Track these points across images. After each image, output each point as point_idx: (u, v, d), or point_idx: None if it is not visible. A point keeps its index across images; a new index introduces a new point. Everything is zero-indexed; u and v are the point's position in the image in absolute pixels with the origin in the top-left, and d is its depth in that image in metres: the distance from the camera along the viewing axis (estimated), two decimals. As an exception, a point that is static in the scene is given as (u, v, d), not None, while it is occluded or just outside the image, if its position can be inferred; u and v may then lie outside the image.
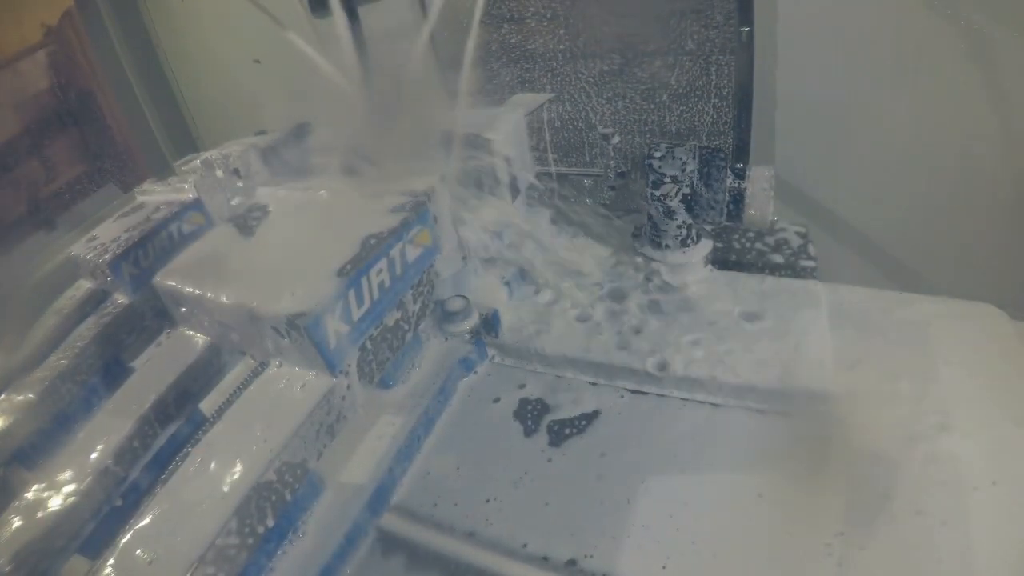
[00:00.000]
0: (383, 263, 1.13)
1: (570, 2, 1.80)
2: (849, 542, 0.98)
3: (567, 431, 1.17)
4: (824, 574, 0.88)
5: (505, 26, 1.92)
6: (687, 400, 1.20)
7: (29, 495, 1.17)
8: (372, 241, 1.12)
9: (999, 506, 1.01)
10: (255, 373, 1.14)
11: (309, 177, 1.45)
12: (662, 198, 1.40)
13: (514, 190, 1.54)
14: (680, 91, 1.73)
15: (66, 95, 2.69)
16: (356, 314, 1.08)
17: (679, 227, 1.45)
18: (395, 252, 1.15)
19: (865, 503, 1.05)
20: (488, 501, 1.07)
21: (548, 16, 1.84)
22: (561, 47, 1.86)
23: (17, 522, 1.11)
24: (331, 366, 1.04)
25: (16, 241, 2.69)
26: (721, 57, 1.67)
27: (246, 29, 2.70)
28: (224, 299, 1.09)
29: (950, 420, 1.15)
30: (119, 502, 1.15)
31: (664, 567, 0.92)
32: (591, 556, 0.96)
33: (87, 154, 2.77)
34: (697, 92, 1.72)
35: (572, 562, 0.95)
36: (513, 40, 1.92)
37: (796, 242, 1.49)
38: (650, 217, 1.49)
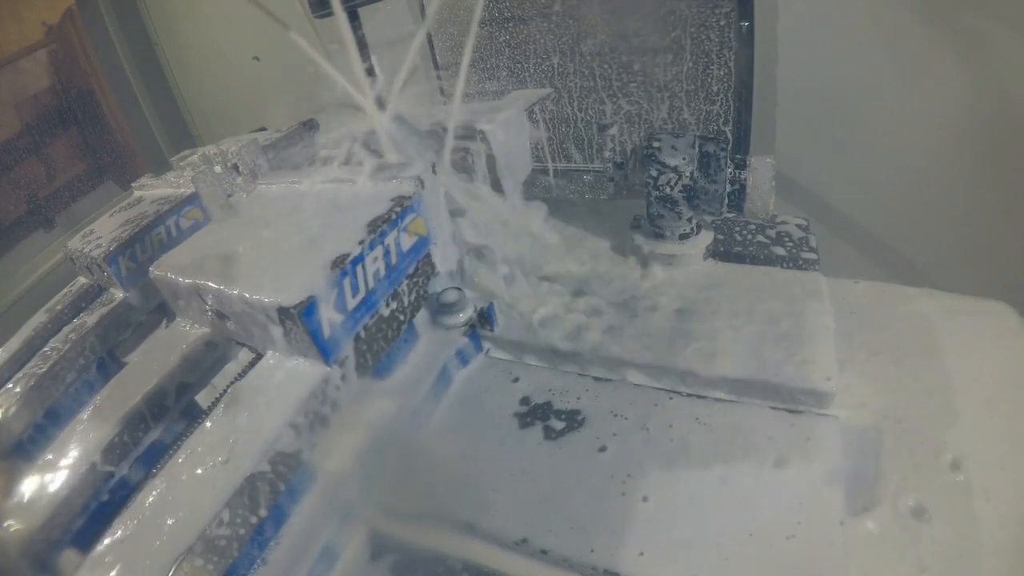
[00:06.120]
0: (378, 251, 1.12)
1: (571, 1, 1.80)
2: (853, 536, 0.96)
3: (565, 425, 1.15)
4: (830, 569, 0.86)
5: (505, 24, 1.92)
6: (689, 395, 1.17)
7: (19, 490, 1.16)
8: (367, 230, 1.11)
9: (1007, 504, 1.00)
10: (251, 363, 1.13)
11: (311, 171, 1.45)
12: (662, 188, 1.39)
13: (510, 184, 1.53)
14: (680, 85, 1.73)
15: (66, 93, 2.70)
16: (351, 303, 1.07)
17: (679, 218, 1.44)
18: (389, 240, 1.14)
19: (868, 499, 1.04)
20: (484, 494, 1.05)
21: (548, 14, 1.84)
22: (561, 45, 1.86)
23: (10, 517, 1.10)
24: (325, 355, 1.03)
25: (16, 240, 2.70)
26: (721, 53, 1.66)
27: (245, 27, 2.71)
28: (221, 288, 1.08)
29: (956, 417, 1.14)
30: (106, 496, 1.14)
31: (668, 563, 0.90)
32: (592, 551, 0.94)
33: (86, 152, 2.77)
34: (697, 86, 1.71)
35: (572, 556, 0.93)
36: (513, 38, 1.92)
37: (797, 235, 1.47)
38: (649, 208, 1.48)
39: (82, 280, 1.68)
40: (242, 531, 0.91)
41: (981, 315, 1.33)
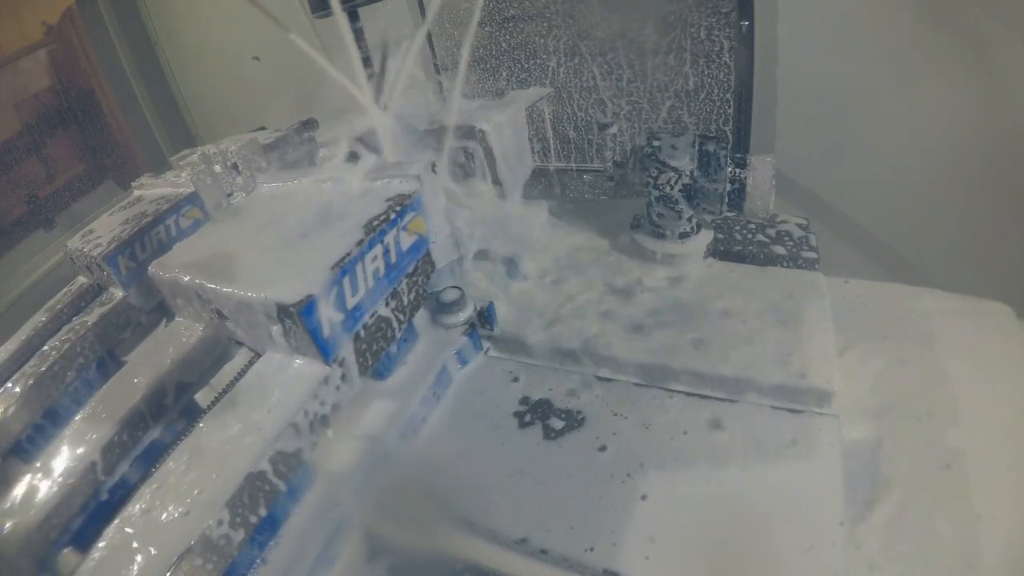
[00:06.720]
0: (377, 250, 1.11)
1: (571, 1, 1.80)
2: (852, 534, 0.96)
3: (564, 425, 1.15)
4: (829, 570, 0.86)
5: (504, 24, 1.92)
6: (689, 394, 1.17)
7: (19, 489, 1.16)
8: (367, 228, 1.11)
9: (1007, 505, 0.99)
10: (250, 363, 1.13)
11: (311, 170, 1.45)
12: (662, 188, 1.39)
13: (510, 183, 1.54)
14: (680, 85, 1.73)
15: (66, 93, 2.70)
16: (350, 302, 1.07)
17: (679, 217, 1.44)
18: (389, 239, 1.14)
19: (868, 498, 1.04)
20: (484, 494, 1.05)
21: (548, 14, 1.84)
22: (561, 45, 1.86)
23: (9, 516, 1.10)
24: (325, 354, 1.03)
25: (16, 240, 2.70)
26: (721, 53, 1.66)
27: (245, 27, 2.71)
28: (220, 288, 1.08)
29: (956, 416, 1.14)
30: (104, 495, 1.13)
31: (667, 562, 0.90)
32: (591, 549, 0.94)
33: (86, 152, 2.78)
34: (697, 86, 1.72)
35: (571, 556, 0.93)
36: (513, 37, 1.92)
37: (797, 234, 1.47)
38: (649, 207, 1.48)
39: (82, 279, 1.68)
40: (242, 531, 0.91)
41: (980, 315, 1.33)
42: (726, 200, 1.39)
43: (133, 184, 1.89)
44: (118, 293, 1.55)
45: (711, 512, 0.95)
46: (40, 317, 1.58)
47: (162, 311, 1.56)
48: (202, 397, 1.34)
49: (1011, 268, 1.81)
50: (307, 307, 0.98)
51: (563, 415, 1.17)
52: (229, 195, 1.71)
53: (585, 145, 1.92)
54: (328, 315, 1.02)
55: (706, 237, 1.46)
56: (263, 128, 2.02)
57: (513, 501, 1.03)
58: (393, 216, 1.15)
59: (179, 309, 1.27)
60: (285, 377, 1.06)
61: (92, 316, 1.50)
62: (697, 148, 1.40)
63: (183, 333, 1.33)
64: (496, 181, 1.55)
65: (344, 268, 1.05)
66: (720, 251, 1.47)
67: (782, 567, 0.87)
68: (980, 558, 0.94)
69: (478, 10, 1.57)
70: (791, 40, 1.84)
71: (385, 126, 1.38)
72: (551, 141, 1.91)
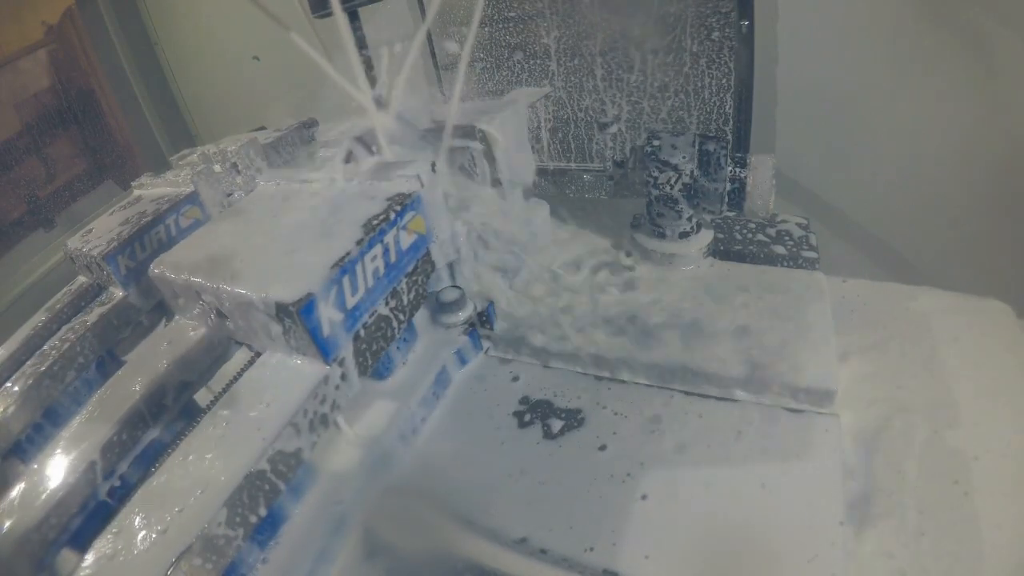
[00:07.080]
0: (377, 249, 1.11)
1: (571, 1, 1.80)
2: (852, 535, 0.96)
3: (564, 424, 1.15)
4: (827, 568, 0.86)
5: (505, 24, 1.92)
6: (688, 394, 1.17)
7: (17, 489, 1.16)
8: (366, 228, 1.11)
9: (1007, 504, 0.99)
10: (250, 362, 1.13)
11: (310, 169, 1.45)
12: (661, 187, 1.39)
13: (510, 182, 1.53)
14: (680, 84, 1.73)
15: (66, 93, 2.71)
16: (350, 301, 1.07)
17: (679, 217, 1.44)
18: (389, 238, 1.14)
19: (868, 497, 1.04)
20: (483, 494, 1.05)
21: (548, 14, 1.84)
22: (561, 44, 1.86)
23: (7, 516, 1.10)
24: (325, 354, 1.03)
25: (16, 240, 2.71)
26: (721, 53, 1.66)
27: (245, 27, 2.71)
28: (220, 287, 1.08)
29: (957, 415, 1.13)
30: (104, 495, 1.13)
31: (667, 562, 0.90)
32: (591, 549, 0.93)
33: (86, 152, 2.79)
34: (697, 86, 1.72)
35: (571, 556, 0.93)
36: (513, 37, 1.92)
37: (798, 233, 1.47)
38: (649, 207, 1.48)
39: (82, 279, 1.68)
40: (242, 530, 0.91)
41: (980, 314, 1.33)
42: (726, 200, 1.39)
43: (133, 184, 1.89)
44: (118, 293, 1.55)
45: (711, 511, 0.95)
46: (40, 317, 1.58)
47: (162, 311, 1.56)
48: (202, 397, 1.34)
49: (1011, 268, 1.81)
50: (307, 306, 0.98)
51: (563, 415, 1.17)
52: (229, 195, 1.72)
53: (585, 145, 1.92)
54: (328, 314, 1.02)
55: (706, 237, 1.47)
56: (263, 128, 2.03)
57: (513, 501, 1.03)
58: (393, 215, 1.15)
59: (179, 309, 1.27)
60: (285, 376, 1.06)
61: (92, 316, 1.50)
62: (697, 147, 1.40)
63: (183, 333, 1.33)
64: (496, 181, 1.55)
65: (344, 267, 1.05)
66: (720, 251, 1.47)
67: (781, 566, 0.87)
68: (981, 558, 0.94)
69: (479, 9, 1.57)
70: (791, 40, 1.84)
71: (385, 126, 1.38)
72: (551, 140, 1.91)
